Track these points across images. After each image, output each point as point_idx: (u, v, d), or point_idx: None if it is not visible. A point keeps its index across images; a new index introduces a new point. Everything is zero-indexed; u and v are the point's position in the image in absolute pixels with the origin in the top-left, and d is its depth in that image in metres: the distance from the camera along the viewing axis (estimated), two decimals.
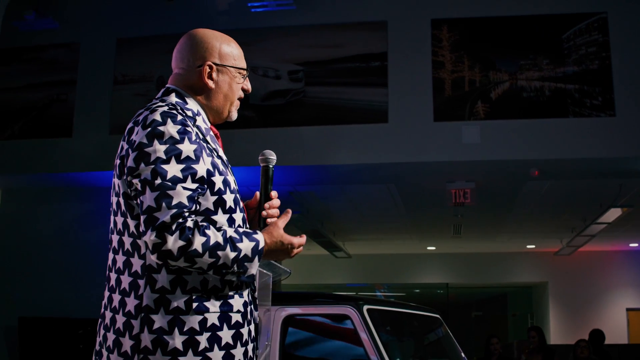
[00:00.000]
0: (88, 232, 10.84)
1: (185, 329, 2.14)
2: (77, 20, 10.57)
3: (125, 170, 2.23)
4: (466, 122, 8.99)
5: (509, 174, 9.72)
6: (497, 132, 8.90)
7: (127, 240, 2.25)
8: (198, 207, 2.20)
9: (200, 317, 2.16)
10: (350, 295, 5.52)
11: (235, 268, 2.18)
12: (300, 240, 2.44)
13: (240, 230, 2.26)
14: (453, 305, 20.49)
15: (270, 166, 2.56)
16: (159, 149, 2.15)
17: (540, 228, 14.56)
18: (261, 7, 9.31)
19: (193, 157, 2.19)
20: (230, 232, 2.20)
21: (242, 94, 2.53)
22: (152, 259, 2.14)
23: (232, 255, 2.16)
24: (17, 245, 11.11)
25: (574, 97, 8.78)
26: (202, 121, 2.39)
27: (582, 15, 8.97)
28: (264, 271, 3.61)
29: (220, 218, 2.27)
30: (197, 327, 2.15)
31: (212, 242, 2.12)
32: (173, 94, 2.41)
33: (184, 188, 2.14)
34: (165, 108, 2.26)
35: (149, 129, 2.19)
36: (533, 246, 17.25)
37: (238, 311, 2.27)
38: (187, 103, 2.39)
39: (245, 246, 2.20)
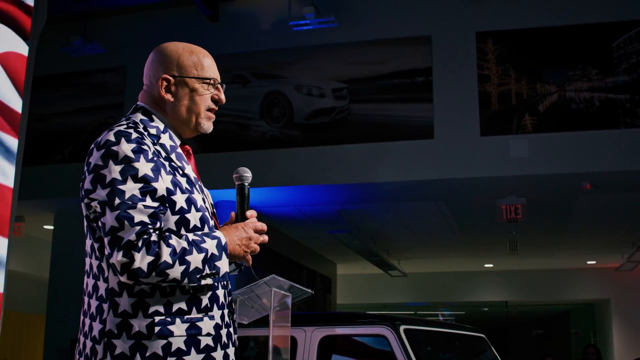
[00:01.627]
0: None
1: (147, 354, 2.05)
2: (122, 44, 10.70)
3: (83, 193, 2.18)
4: (514, 136, 8.79)
5: (560, 188, 9.46)
6: (546, 145, 8.68)
7: (94, 264, 2.19)
8: (162, 224, 2.13)
9: (163, 342, 2.07)
10: (387, 315, 5.38)
11: (208, 270, 2.11)
12: (255, 224, 2.33)
13: (199, 232, 2.18)
14: (514, 324, 20.09)
15: (246, 184, 2.42)
16: (114, 170, 2.10)
17: (600, 243, 14.17)
18: (303, 25, 9.26)
19: (151, 174, 2.13)
20: (191, 236, 2.13)
21: (211, 105, 2.39)
22: (122, 279, 2.06)
23: (200, 257, 2.09)
24: (70, 269, 11.23)
25: (625, 107, 8.50)
26: (168, 139, 2.31)
27: (632, 22, 8.71)
28: (283, 292, 3.53)
29: None
30: (160, 352, 2.07)
31: (178, 249, 2.07)
32: (139, 112, 2.35)
33: (145, 206, 2.08)
34: (122, 127, 2.19)
35: (103, 149, 2.13)
36: (594, 262, 16.78)
37: (208, 334, 2.16)
38: (152, 120, 2.32)
39: (210, 245, 2.13)
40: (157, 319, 2.09)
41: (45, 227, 12.63)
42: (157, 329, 2.07)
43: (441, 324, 6.12)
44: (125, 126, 2.21)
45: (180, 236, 2.11)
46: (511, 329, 20.05)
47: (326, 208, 11.21)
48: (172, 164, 2.24)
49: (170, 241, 2.07)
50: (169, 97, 2.32)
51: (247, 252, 2.28)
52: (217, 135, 9.96)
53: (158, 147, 2.24)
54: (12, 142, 5.47)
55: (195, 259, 2.08)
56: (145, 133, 2.24)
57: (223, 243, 2.17)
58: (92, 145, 2.20)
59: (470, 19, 9.31)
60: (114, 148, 2.11)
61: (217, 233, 2.20)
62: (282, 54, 10.05)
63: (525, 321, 21.15)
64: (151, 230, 2.06)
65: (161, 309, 2.10)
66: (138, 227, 2.04)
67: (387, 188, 9.72)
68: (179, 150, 2.32)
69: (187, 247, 2.08)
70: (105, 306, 2.12)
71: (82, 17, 10.43)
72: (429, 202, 10.87)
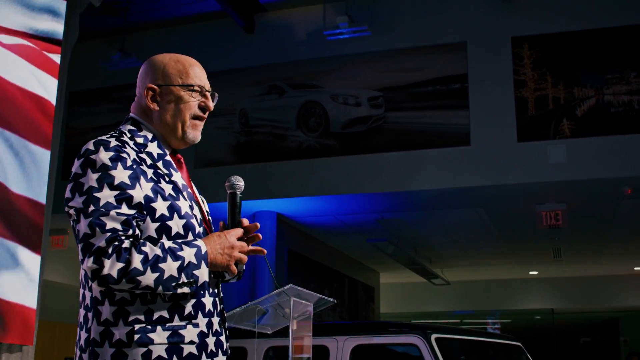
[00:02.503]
0: None
1: None
2: None
3: (64, 201, 2.20)
4: (552, 142, 8.68)
5: (600, 193, 9.31)
6: (584, 150, 8.55)
7: (81, 273, 2.22)
8: (137, 232, 2.13)
9: (143, 350, 2.07)
10: (419, 324, 5.35)
11: (184, 278, 2.09)
12: (237, 232, 2.27)
13: (179, 240, 2.17)
14: (561, 332, 19.78)
15: (238, 193, 2.39)
16: (92, 178, 2.12)
17: None
18: (337, 34, 9.27)
19: (128, 182, 2.14)
20: (169, 243, 2.12)
21: (198, 112, 2.40)
22: (94, 286, 2.09)
23: (176, 265, 2.08)
24: None
25: None
26: (156, 147, 2.32)
27: None
28: (304, 302, 3.52)
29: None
30: None
31: (150, 256, 2.06)
32: (129, 122, 2.37)
33: (118, 214, 2.08)
34: (104, 136, 2.23)
35: (83, 158, 2.16)
36: None
37: (191, 342, 2.15)
38: (140, 130, 2.34)
39: (187, 253, 2.11)
40: (137, 326, 2.09)
41: None
42: (136, 336, 2.07)
43: (475, 333, 6.05)
44: (108, 135, 2.24)
45: (156, 244, 2.10)
46: (558, 337, 19.75)
47: (365, 217, 11.19)
48: (158, 171, 2.25)
49: (143, 248, 2.06)
50: (154, 106, 2.35)
51: (230, 260, 2.23)
52: (254, 146, 10.01)
53: (144, 155, 2.26)
54: (44, 155, 5.57)
55: (170, 267, 2.07)
56: (131, 142, 2.26)
57: (203, 252, 2.15)
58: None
59: (506, 24, 9.23)
60: (92, 157, 2.14)
61: (198, 242, 2.17)
62: (317, 64, 10.07)
63: (572, 329, 20.81)
64: (123, 237, 2.06)
65: (142, 317, 2.10)
66: (108, 234, 2.05)
67: (425, 196, 9.67)
68: (168, 158, 2.33)
69: (161, 255, 2.07)
70: (90, 315, 2.14)
71: (120, 32, 10.58)
72: (469, 209, 10.78)
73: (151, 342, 2.08)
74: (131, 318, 2.10)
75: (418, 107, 9.41)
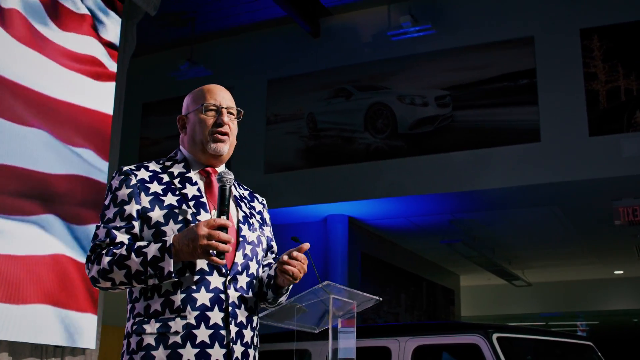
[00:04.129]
0: None
1: (130, 349, 2.44)
2: (228, 65, 10.96)
3: None
4: (625, 135, 8.41)
5: None
6: None
7: None
8: (121, 239, 2.45)
9: (138, 338, 2.42)
10: (480, 324, 5.24)
11: (150, 270, 2.35)
12: (208, 222, 2.35)
13: (151, 240, 2.46)
14: None
15: (227, 185, 2.47)
16: (107, 199, 2.56)
17: None
18: (401, 34, 9.20)
19: (126, 199, 2.51)
20: (140, 243, 2.41)
21: (217, 126, 2.65)
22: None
23: (139, 259, 2.36)
24: None
25: None
26: (182, 167, 2.65)
27: None
28: (347, 300, 3.48)
29: None
30: (135, 347, 2.42)
31: (117, 256, 2.38)
32: (174, 151, 2.75)
33: (105, 226, 2.48)
34: (127, 166, 2.63)
35: (108, 183, 2.62)
36: None
37: (176, 332, 2.40)
38: (176, 155, 2.71)
39: (152, 249, 2.37)
40: (137, 319, 2.47)
41: None
42: (135, 327, 2.45)
43: (541, 332, 5.90)
44: (139, 163, 2.66)
45: (123, 245, 2.42)
46: None
47: (436, 218, 11.06)
48: (172, 186, 2.58)
49: (114, 250, 2.41)
50: (183, 133, 2.72)
51: (198, 250, 2.32)
52: (323, 150, 10.02)
53: (163, 175, 2.61)
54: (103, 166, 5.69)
55: (134, 262, 2.36)
56: (158, 166, 2.64)
57: (167, 245, 2.36)
58: None
59: (574, 16, 9.00)
60: (111, 182, 2.59)
61: (167, 238, 2.40)
62: (383, 65, 10.02)
63: None
64: (103, 244, 2.45)
65: (142, 310, 2.47)
66: (92, 244, 2.48)
67: (496, 195, 9.50)
68: (189, 175, 2.64)
69: (125, 254, 2.38)
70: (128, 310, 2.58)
71: (188, 42, 10.75)
72: (543, 207, 10.54)
73: (144, 331, 2.42)
74: (135, 312, 2.49)
75: (486, 105, 9.25)
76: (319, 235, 10.90)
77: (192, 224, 2.44)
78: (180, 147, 2.72)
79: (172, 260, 2.34)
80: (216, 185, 2.58)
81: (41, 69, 5.44)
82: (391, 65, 9.96)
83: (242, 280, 2.54)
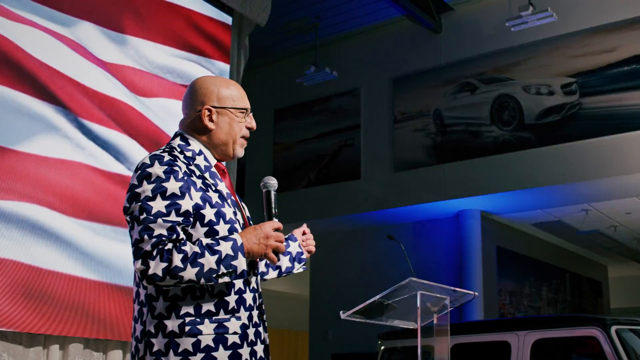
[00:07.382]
0: (390, 269, 11.13)
1: (179, 350, 2.35)
2: (353, 67, 11.13)
3: (123, 211, 2.48)
4: None
5: None
6: None
7: (135, 274, 2.50)
8: (182, 236, 2.39)
9: (193, 339, 2.36)
10: (598, 317, 5.15)
11: (223, 269, 2.34)
12: (272, 224, 2.48)
13: (217, 237, 2.41)
14: None
15: (272, 190, 2.59)
16: (147, 189, 2.40)
17: None
18: (521, 24, 9.04)
19: (178, 193, 2.41)
20: (207, 240, 2.38)
21: (245, 133, 2.67)
22: (144, 284, 2.37)
23: (214, 258, 2.33)
24: (328, 286, 11.79)
25: None
26: (203, 159, 2.59)
27: None
28: (439, 295, 3.55)
29: None
30: (191, 349, 2.35)
31: (189, 254, 2.32)
32: (178, 138, 2.64)
33: (165, 221, 2.36)
34: (158, 151, 2.51)
35: (139, 171, 2.44)
36: None
37: (235, 333, 2.42)
38: (189, 145, 2.61)
39: (224, 247, 2.36)
40: (187, 319, 2.38)
41: None
42: (187, 328, 2.36)
43: None
44: (161, 150, 2.52)
45: (194, 242, 2.37)
46: None
47: (571, 208, 10.79)
48: (206, 181, 2.52)
49: (183, 247, 2.33)
50: (211, 125, 2.61)
51: (267, 249, 2.44)
52: (451, 145, 10.02)
53: (193, 167, 2.53)
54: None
55: (209, 261, 2.33)
56: (182, 156, 2.53)
57: (239, 244, 2.39)
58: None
59: None
60: (148, 170, 2.43)
61: (234, 235, 2.42)
62: (505, 56, 9.90)
63: None
64: (166, 241, 2.33)
65: (191, 310, 2.39)
66: (154, 239, 2.33)
67: (632, 181, 9.18)
68: (213, 169, 2.60)
69: (199, 251, 2.33)
70: (145, 310, 2.44)
71: (313, 47, 11.01)
72: None
73: (200, 332, 2.37)
74: (182, 312, 2.39)
75: (615, 90, 8.97)
76: (451, 231, 10.88)
77: (252, 225, 2.51)
78: (188, 135, 2.63)
79: (245, 259, 2.39)
80: (227, 181, 2.63)
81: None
82: (514, 55, 9.82)
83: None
